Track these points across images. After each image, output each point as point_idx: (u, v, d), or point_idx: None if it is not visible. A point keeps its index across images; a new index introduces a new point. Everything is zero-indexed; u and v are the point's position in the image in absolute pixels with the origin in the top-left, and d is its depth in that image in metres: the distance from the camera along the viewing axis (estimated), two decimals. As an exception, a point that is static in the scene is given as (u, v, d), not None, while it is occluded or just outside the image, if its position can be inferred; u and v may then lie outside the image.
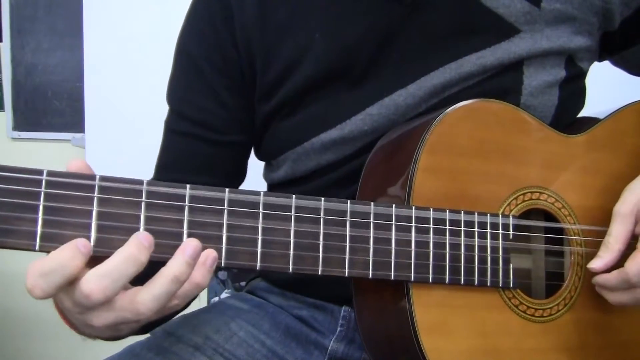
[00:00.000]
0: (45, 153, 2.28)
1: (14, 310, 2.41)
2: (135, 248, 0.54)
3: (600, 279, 0.74)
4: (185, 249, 0.55)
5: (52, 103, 2.27)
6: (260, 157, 0.92)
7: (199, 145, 0.85)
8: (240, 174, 0.91)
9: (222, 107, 0.84)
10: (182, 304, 0.58)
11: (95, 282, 0.52)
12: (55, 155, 2.25)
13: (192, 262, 0.56)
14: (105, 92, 1.91)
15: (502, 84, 0.79)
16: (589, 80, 0.89)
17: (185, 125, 0.85)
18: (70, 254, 0.52)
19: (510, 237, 0.72)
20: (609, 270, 0.73)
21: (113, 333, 0.62)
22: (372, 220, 0.65)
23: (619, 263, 0.72)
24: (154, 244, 0.55)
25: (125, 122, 1.85)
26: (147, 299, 0.55)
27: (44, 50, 2.26)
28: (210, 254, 0.57)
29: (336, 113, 0.80)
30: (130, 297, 0.55)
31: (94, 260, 0.54)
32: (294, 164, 0.84)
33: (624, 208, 0.73)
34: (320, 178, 0.83)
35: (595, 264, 0.73)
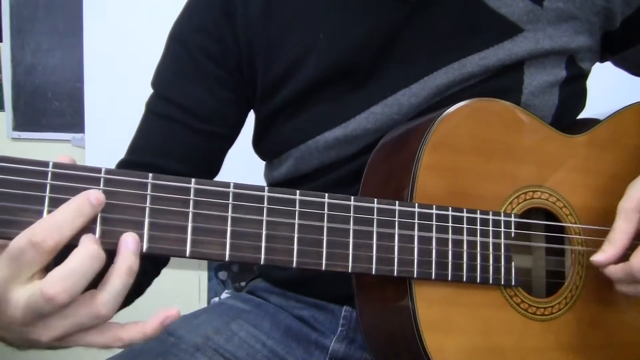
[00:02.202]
0: (45, 153, 2.26)
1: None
2: (95, 244, 0.52)
3: (606, 270, 0.73)
4: (127, 242, 0.54)
5: (52, 103, 2.27)
6: (261, 155, 0.92)
7: (180, 131, 0.84)
8: (214, 169, 0.90)
9: (212, 97, 0.83)
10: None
11: (59, 283, 0.50)
12: (56, 156, 2.24)
13: (138, 253, 0.54)
14: (105, 92, 1.91)
15: (503, 83, 0.80)
16: (590, 81, 0.89)
17: (170, 109, 0.84)
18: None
19: (512, 236, 0.72)
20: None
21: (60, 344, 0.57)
22: (375, 216, 0.65)
23: (623, 259, 0.73)
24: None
25: (125, 122, 1.84)
26: (107, 299, 0.53)
27: (44, 51, 2.26)
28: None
29: (340, 112, 0.80)
30: (88, 300, 0.53)
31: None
32: (296, 162, 0.84)
33: (628, 204, 0.73)
34: (323, 177, 0.83)
35: (598, 257, 0.72)
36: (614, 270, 0.73)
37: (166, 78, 0.86)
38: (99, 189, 0.53)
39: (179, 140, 0.84)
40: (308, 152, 0.82)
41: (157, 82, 0.87)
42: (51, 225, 0.51)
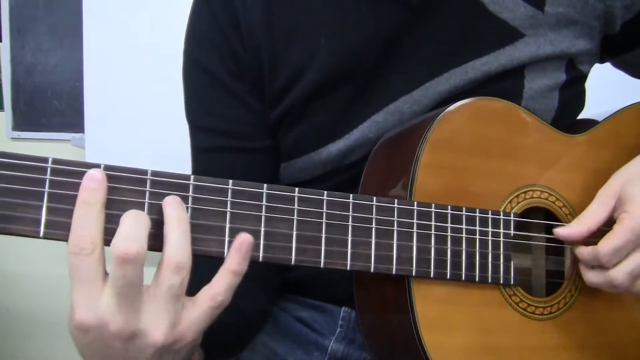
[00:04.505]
0: (45, 153, 2.26)
1: (14, 310, 2.40)
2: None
3: (577, 250, 0.74)
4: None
5: (52, 103, 2.27)
6: None
7: (236, 157, 0.81)
8: (276, 181, 0.88)
9: (251, 112, 0.81)
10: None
11: (122, 243, 0.52)
12: (55, 156, 2.24)
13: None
14: (105, 92, 1.92)
15: (504, 88, 0.79)
16: (589, 82, 0.89)
17: (219, 139, 0.81)
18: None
19: (511, 235, 0.72)
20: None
21: None
22: (374, 214, 0.65)
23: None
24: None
25: (125, 122, 1.85)
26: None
27: (44, 50, 2.26)
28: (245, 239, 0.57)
29: (342, 122, 0.79)
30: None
31: None
32: (299, 170, 0.83)
33: (607, 191, 0.75)
34: (324, 182, 0.83)
35: (561, 230, 0.74)
36: (581, 252, 0.73)
37: (198, 108, 0.83)
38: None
39: (239, 168, 0.81)
40: (311, 163, 0.81)
41: (190, 115, 0.84)
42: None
